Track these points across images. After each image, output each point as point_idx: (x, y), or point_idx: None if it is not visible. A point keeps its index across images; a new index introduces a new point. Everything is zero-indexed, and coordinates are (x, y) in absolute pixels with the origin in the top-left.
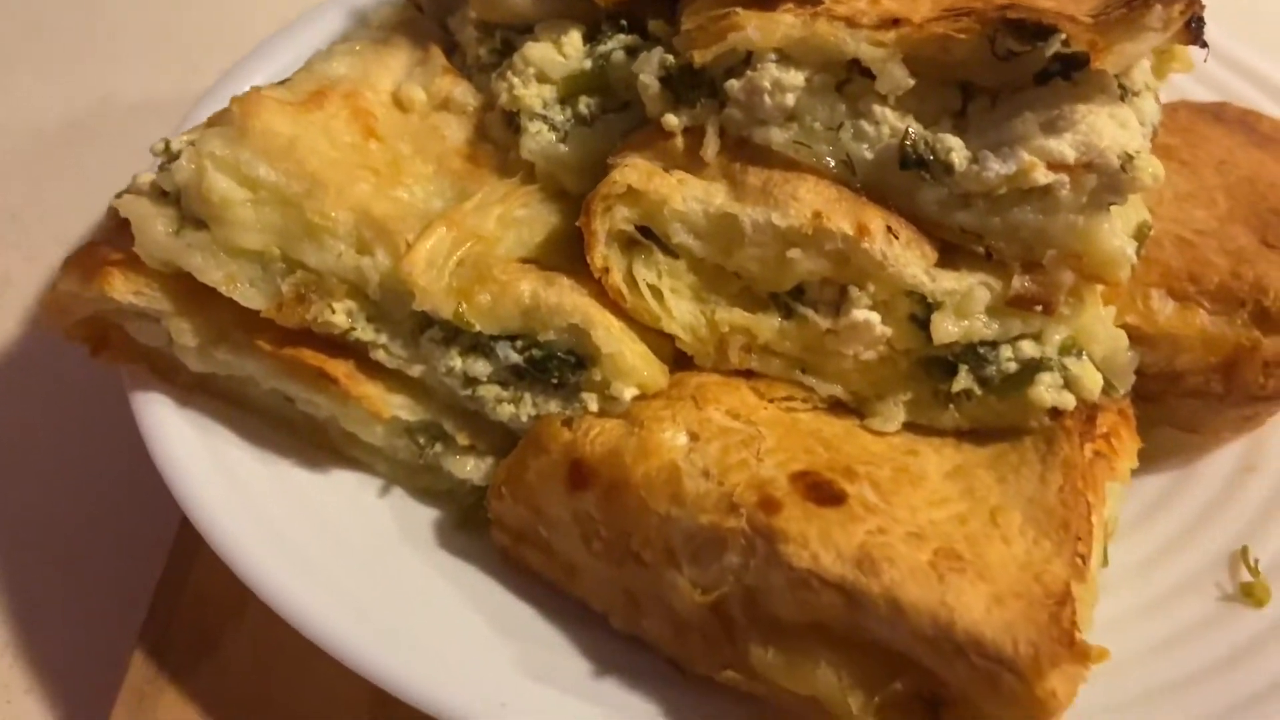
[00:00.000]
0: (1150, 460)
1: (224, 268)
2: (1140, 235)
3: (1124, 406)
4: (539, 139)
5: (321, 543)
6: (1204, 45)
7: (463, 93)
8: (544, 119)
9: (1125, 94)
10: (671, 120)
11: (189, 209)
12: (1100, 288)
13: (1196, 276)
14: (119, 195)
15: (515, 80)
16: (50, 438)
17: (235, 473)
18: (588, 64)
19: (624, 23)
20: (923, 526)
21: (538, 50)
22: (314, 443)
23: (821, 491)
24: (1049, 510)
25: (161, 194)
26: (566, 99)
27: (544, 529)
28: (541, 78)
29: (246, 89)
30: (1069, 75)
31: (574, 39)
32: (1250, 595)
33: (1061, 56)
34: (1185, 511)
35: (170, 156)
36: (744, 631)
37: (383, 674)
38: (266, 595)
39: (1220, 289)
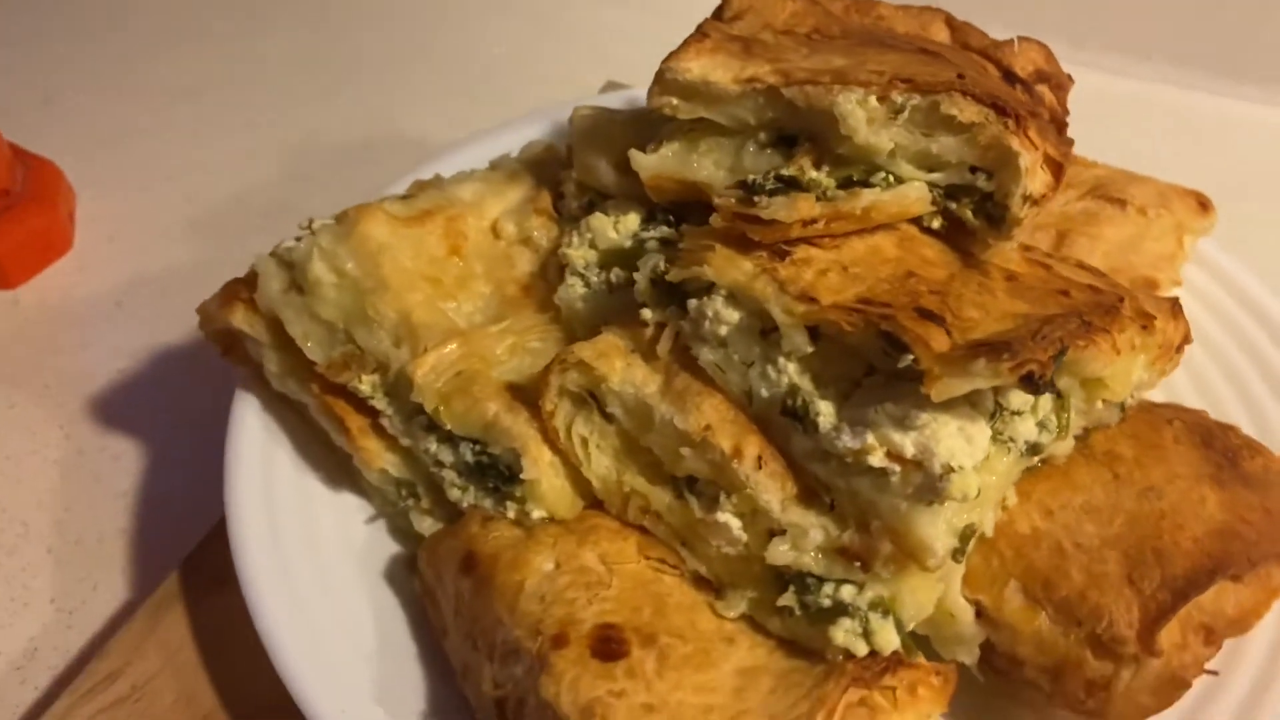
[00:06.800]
0: None
1: (303, 326)
2: (964, 536)
3: (945, 670)
4: (570, 291)
5: (300, 542)
6: (1035, 394)
7: (541, 234)
8: (581, 277)
9: (1000, 410)
10: (648, 314)
11: (296, 278)
12: None
13: (1050, 584)
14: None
15: (575, 239)
16: (195, 386)
17: (273, 469)
18: (628, 243)
19: (671, 216)
20: (666, 703)
21: (599, 221)
22: (343, 467)
23: (607, 645)
24: None
25: (285, 261)
26: (604, 265)
27: (439, 594)
28: (593, 244)
29: (431, 175)
30: None
31: (630, 220)
32: None
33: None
34: None
35: (310, 231)
36: None
37: (283, 662)
38: (240, 572)
39: (1064, 602)
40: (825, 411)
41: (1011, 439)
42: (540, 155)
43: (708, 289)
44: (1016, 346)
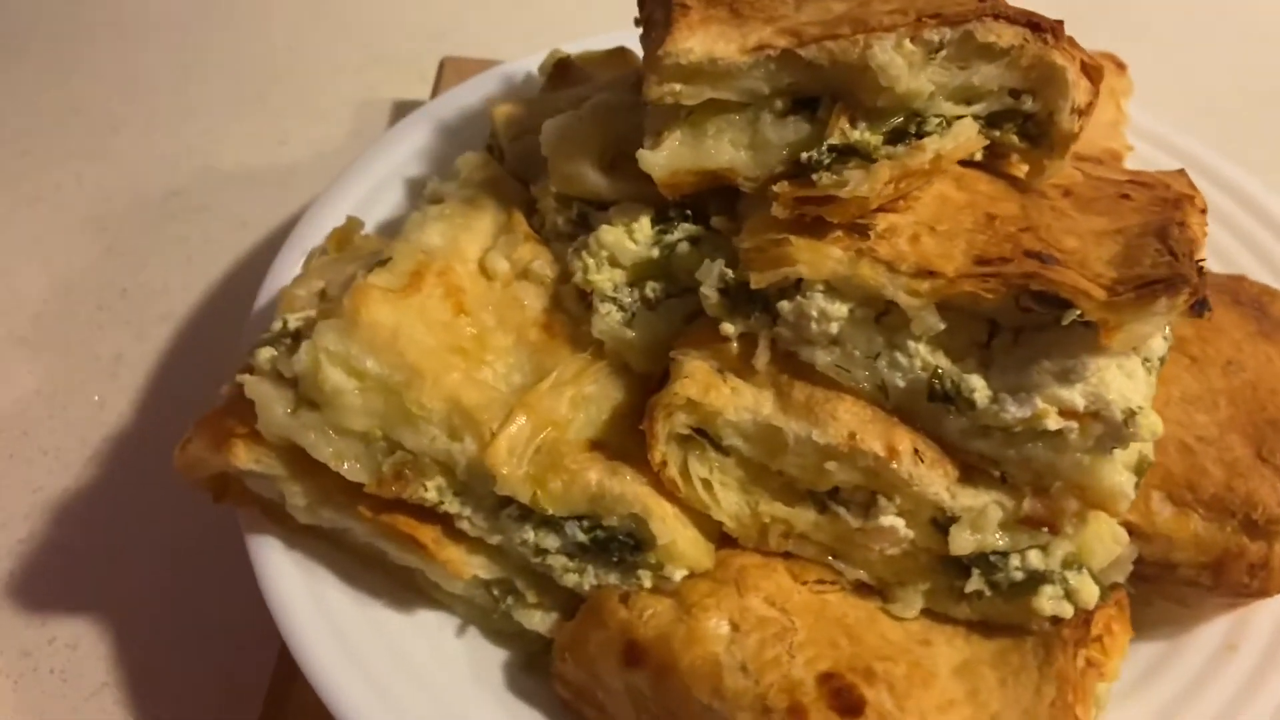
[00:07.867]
0: (1144, 628)
1: (333, 445)
2: (1140, 469)
3: (1120, 597)
4: (609, 320)
5: (402, 679)
6: (1201, 316)
7: (541, 264)
8: (614, 301)
9: None
10: (728, 328)
11: (304, 393)
12: None
13: (1194, 485)
14: (243, 372)
15: (590, 262)
16: (168, 525)
17: (332, 611)
18: (655, 252)
19: (689, 211)
20: None
21: (610, 235)
22: (403, 584)
23: (843, 699)
24: None
25: (280, 377)
26: (634, 282)
27: (601, 693)
28: (613, 261)
29: (342, 219)
30: (1087, 322)
31: (644, 225)
32: None
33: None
34: (1168, 688)
35: (285, 335)
36: None
37: None
38: None
39: (1214, 499)
40: (978, 387)
41: (1147, 359)
42: (485, 173)
43: (795, 286)
44: (1186, 274)
